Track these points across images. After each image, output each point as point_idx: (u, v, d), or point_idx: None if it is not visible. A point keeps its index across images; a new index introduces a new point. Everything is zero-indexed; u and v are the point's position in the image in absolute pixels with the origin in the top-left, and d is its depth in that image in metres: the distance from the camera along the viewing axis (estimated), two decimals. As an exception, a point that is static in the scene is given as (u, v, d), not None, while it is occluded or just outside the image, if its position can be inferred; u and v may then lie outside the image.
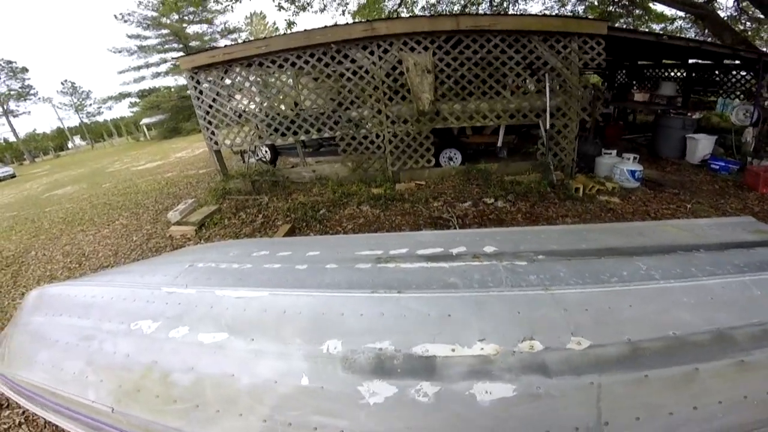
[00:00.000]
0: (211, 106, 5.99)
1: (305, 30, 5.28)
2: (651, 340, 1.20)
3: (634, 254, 1.77)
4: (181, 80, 31.75)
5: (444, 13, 12.48)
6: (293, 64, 5.45)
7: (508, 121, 5.45)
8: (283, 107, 6.07)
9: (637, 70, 10.22)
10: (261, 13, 37.04)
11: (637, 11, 10.95)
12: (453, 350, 1.23)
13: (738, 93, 7.64)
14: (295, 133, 5.91)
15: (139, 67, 31.41)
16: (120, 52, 30.50)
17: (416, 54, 5.11)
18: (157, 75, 32.14)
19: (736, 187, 5.10)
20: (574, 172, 5.54)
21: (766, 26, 10.29)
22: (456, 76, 5.21)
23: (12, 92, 35.96)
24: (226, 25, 32.63)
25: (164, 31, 30.04)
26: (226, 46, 5.77)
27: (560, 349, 1.19)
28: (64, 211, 8.39)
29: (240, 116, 6.08)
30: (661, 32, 8.12)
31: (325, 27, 5.19)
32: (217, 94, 5.89)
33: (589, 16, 10.57)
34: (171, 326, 1.58)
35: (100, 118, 45.33)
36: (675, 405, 1.07)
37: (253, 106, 6.03)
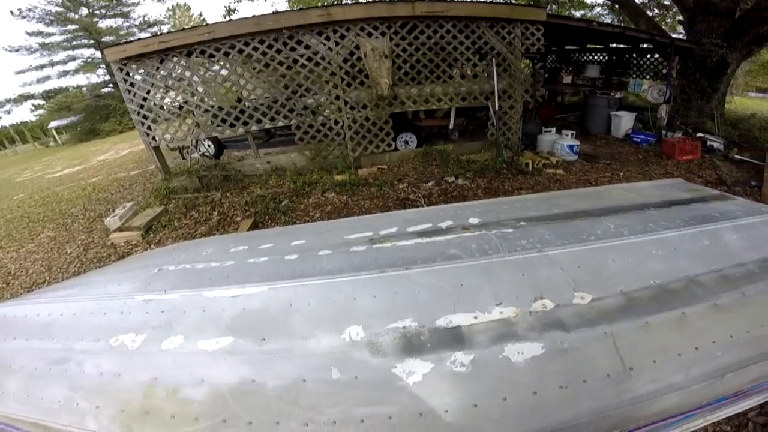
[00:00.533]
0: (145, 99, 5.45)
1: (254, 16, 4.96)
2: (639, 290, 1.33)
3: (600, 215, 1.95)
4: (94, 78, 28.22)
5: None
6: (240, 51, 5.12)
7: (461, 103, 5.67)
8: (230, 96, 5.72)
9: (565, 54, 11.08)
10: (185, 4, 33.85)
11: (563, -1, 11.83)
12: (475, 318, 1.27)
13: (648, 74, 8.63)
14: (245, 123, 5.60)
15: (42, 66, 27.32)
16: (17, 50, 26.29)
17: (374, 39, 5.08)
18: (64, 74, 28.25)
19: (656, 156, 5.84)
20: (521, 149, 5.95)
21: (670, 13, 11.64)
22: (412, 60, 5.29)
23: None
24: (145, 18, 29.56)
25: (71, 27, 26.58)
26: (161, 33, 5.25)
27: (569, 305, 1.28)
28: None
29: (181, 108, 5.61)
30: (591, 19, 8.83)
31: (277, 12, 4.96)
32: (152, 85, 5.36)
33: (520, 3, 11.21)
34: (161, 337, 1.43)
35: None
36: (680, 347, 1.18)
37: (196, 98, 5.59)
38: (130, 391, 1.31)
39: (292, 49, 5.22)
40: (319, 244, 1.95)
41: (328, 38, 5.17)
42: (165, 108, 5.58)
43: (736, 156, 5.47)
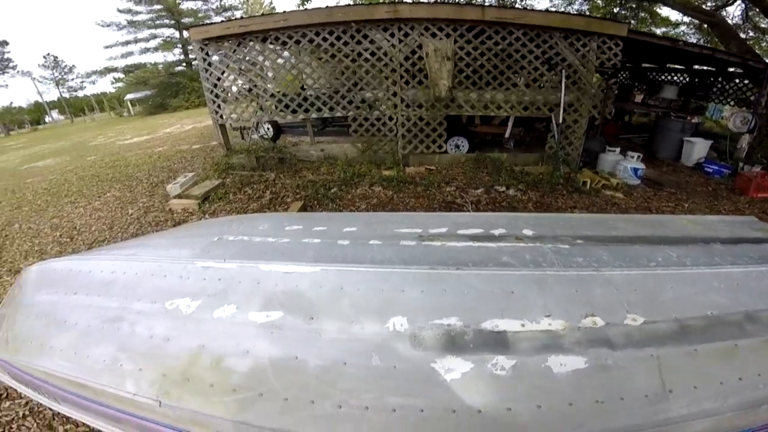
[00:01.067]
0: (219, 79, 5.83)
1: (327, 7, 5.16)
2: (694, 318, 1.32)
3: (662, 243, 1.88)
4: (170, 57, 30.71)
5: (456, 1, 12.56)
6: (311, 41, 5.33)
7: (522, 113, 5.52)
8: (295, 84, 5.98)
9: (641, 72, 10.39)
10: (258, -9, 35.61)
11: (643, 14, 11.06)
12: (522, 325, 1.28)
13: (731, 100, 7.89)
14: (306, 111, 5.84)
15: (127, 42, 30.29)
16: (108, 26, 29.34)
17: (437, 40, 5.08)
18: (145, 51, 31.13)
19: (728, 189, 5.35)
20: (579, 166, 5.70)
21: (767, 36, 10.56)
22: (475, 65, 5.23)
23: (-11, 66, 34.30)
24: (222, 3, 31.56)
25: (157, 7, 28.96)
26: (241, 17, 5.61)
27: (619, 324, 1.28)
28: (47, 182, 7.99)
29: (250, 91, 5.95)
30: (677, 39, 8.21)
31: (348, 5, 5.15)
32: (227, 67, 5.74)
33: (595, 16, 10.65)
34: (215, 305, 1.44)
35: (81, 93, 43.71)
36: (723, 376, 1.20)
37: (264, 82, 5.90)
38: (176, 357, 1.34)
39: (358, 42, 5.35)
40: (370, 234, 1.98)
41: (392, 35, 5.24)
42: (236, 89, 5.94)
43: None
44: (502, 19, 4.93)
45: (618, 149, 5.82)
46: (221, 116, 6.12)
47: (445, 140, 5.85)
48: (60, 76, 40.91)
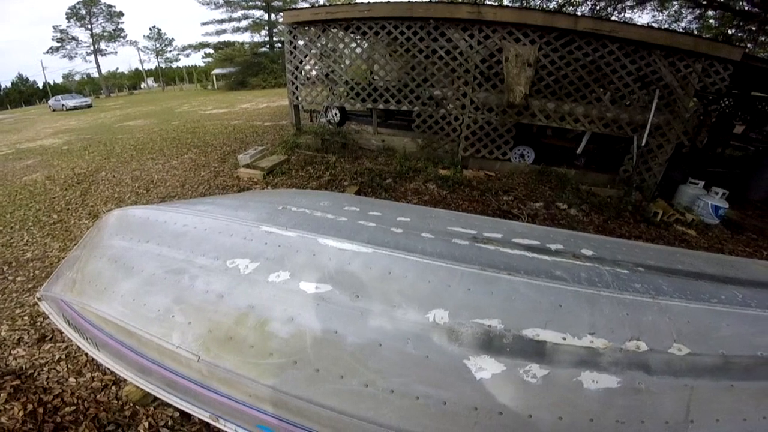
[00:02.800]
0: (301, 62, 6.18)
1: (408, 1, 5.23)
2: (741, 357, 1.28)
3: (728, 282, 1.76)
4: (258, 37, 32.89)
5: (537, 7, 12.01)
6: (389, 33, 5.46)
7: (601, 129, 5.18)
8: (367, 74, 6.14)
9: (747, 100, 9.20)
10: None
11: (763, 38, 9.73)
12: (564, 338, 1.27)
13: None
14: (375, 101, 5.99)
15: (222, 21, 32.92)
16: (207, 4, 31.82)
17: (520, 45, 4.94)
18: (237, 30, 33.58)
19: (822, 242, 4.62)
20: (654, 195, 5.25)
21: None
22: (558, 74, 5.01)
23: (105, 33, 39.27)
24: None
25: None
26: (330, 5, 5.88)
27: (663, 352, 1.26)
28: (134, 140, 9.02)
29: (327, 76, 6.23)
30: None
31: (430, 2, 5.13)
32: (311, 51, 6.06)
33: (704, 36, 9.59)
34: (271, 269, 1.48)
35: (175, 65, 48.56)
36: (750, 412, 1.19)
37: (340, 69, 6.14)
38: (225, 314, 1.39)
39: (434, 39, 5.36)
40: (423, 227, 2.01)
41: (471, 35, 5.17)
42: (315, 73, 6.25)
43: None
44: (598, 31, 4.65)
45: (702, 183, 5.26)
46: (297, 97, 6.49)
47: (510, 148, 5.68)
48: (160, 48, 45.56)
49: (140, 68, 48.12)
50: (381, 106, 6.06)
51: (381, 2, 5.46)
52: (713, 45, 4.63)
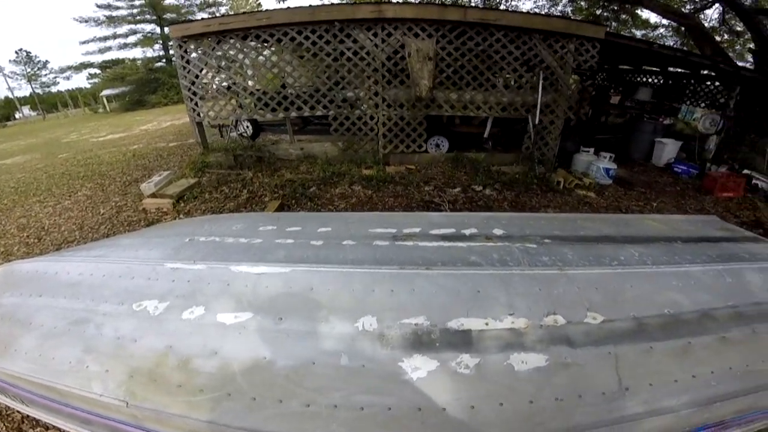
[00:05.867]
0: (197, 77, 5.72)
1: (310, 6, 5.14)
2: (651, 317, 1.37)
3: (626, 242, 1.94)
4: (149, 52, 30.30)
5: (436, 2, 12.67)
6: (293, 39, 5.29)
7: (500, 113, 5.62)
8: (275, 82, 5.91)
9: (617, 73, 10.70)
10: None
11: (624, 16, 11.34)
12: (486, 324, 1.30)
13: (703, 102, 8.20)
14: (286, 109, 5.78)
15: (105, 38, 29.69)
16: (86, 22, 28.55)
17: (420, 40, 5.12)
18: (124, 46, 30.57)
19: (695, 189, 5.58)
20: (554, 166, 5.84)
21: (741, 39, 10.97)
22: (456, 65, 5.30)
23: (-46, 60, 32.77)
24: None
25: (138, 2, 28.48)
26: (222, 15, 5.53)
27: (579, 323, 1.32)
28: (15, 181, 7.66)
29: (229, 89, 5.85)
30: (652, 41, 8.46)
31: (332, 4, 5.12)
32: (206, 64, 5.63)
33: (577, 18, 10.90)
34: (183, 306, 1.44)
35: (55, 89, 42.37)
36: (678, 373, 1.24)
37: (243, 80, 5.81)
38: (143, 358, 1.33)
39: (341, 41, 5.34)
40: (344, 234, 1.99)
41: (375, 34, 5.25)
42: (214, 87, 5.83)
43: (781, 198, 5.16)
44: (484, 20, 5.00)
45: (592, 150, 5.99)
46: (198, 114, 6.00)
47: (425, 140, 5.90)
48: (33, 72, 39.52)
49: (10, 96, 41.12)
50: (294, 114, 5.88)
51: (281, 9, 5.29)
52: (581, 26, 5.28)
